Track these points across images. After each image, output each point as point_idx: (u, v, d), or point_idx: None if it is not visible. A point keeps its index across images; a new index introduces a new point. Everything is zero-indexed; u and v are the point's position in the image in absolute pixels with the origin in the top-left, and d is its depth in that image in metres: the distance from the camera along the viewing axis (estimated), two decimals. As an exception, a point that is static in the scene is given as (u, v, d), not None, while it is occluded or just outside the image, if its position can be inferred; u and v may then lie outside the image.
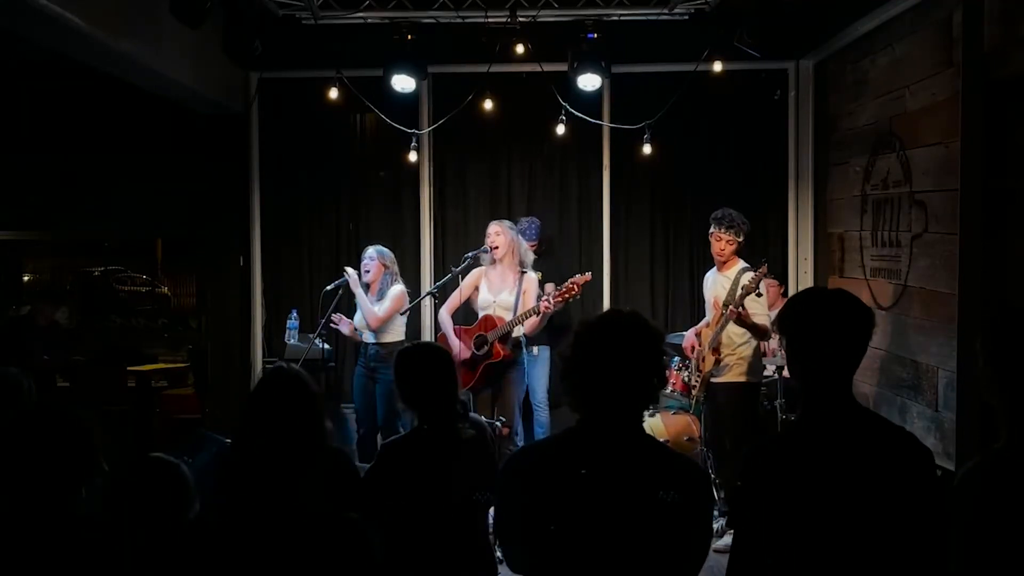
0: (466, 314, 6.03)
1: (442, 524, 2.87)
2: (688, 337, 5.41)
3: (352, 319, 5.94)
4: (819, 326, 2.11)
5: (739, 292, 4.91)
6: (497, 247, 5.61)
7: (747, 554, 2.11)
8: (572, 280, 5.35)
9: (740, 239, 5.17)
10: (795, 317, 2.17)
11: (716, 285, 5.24)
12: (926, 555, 2.02)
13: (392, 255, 5.92)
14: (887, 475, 2.04)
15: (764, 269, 4.92)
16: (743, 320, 4.91)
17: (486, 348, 5.48)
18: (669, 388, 5.60)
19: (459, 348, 5.51)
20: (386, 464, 2.97)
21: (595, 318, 2.19)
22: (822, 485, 2.03)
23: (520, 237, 5.77)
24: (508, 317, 5.48)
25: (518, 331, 5.50)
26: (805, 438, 2.12)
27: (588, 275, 5.44)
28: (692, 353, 5.33)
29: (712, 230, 5.23)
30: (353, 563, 1.97)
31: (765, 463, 2.13)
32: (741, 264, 5.15)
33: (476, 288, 5.74)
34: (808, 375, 2.14)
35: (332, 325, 5.86)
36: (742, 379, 5.10)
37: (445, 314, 5.76)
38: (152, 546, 2.31)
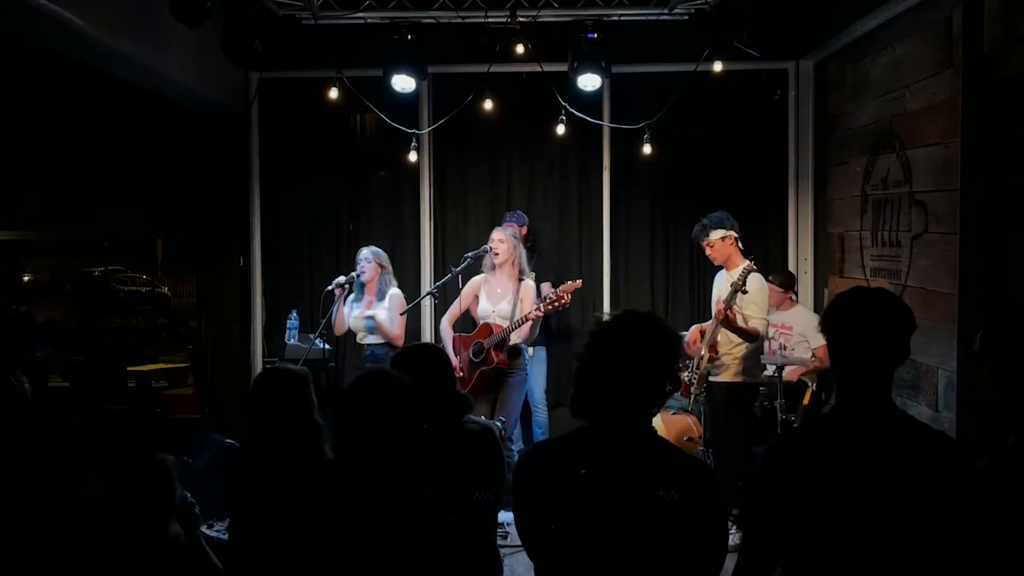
0: (464, 323, 6.00)
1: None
2: (692, 331, 5.40)
3: (347, 316, 5.88)
4: (861, 325, 2.12)
5: (729, 290, 4.92)
6: (498, 254, 5.59)
7: (758, 552, 2.11)
8: (563, 287, 5.33)
9: (725, 236, 5.14)
10: (838, 316, 2.18)
11: (721, 284, 5.24)
12: (959, 555, 2.01)
13: (386, 255, 5.90)
14: (922, 475, 2.03)
15: (750, 264, 4.92)
16: (728, 322, 4.89)
17: (482, 355, 5.49)
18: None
19: (457, 365, 5.49)
20: None
21: (613, 318, 2.19)
22: (855, 482, 2.03)
23: (522, 246, 5.75)
24: (506, 326, 5.48)
25: (516, 338, 5.48)
26: (838, 435, 2.11)
27: (579, 282, 5.42)
28: (693, 347, 5.32)
29: (701, 242, 5.23)
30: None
31: (788, 461, 2.13)
32: (744, 264, 5.14)
33: (476, 297, 5.73)
34: (849, 374, 2.14)
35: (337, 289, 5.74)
36: (738, 379, 5.08)
37: (446, 324, 5.74)
38: (142, 542, 2.30)
